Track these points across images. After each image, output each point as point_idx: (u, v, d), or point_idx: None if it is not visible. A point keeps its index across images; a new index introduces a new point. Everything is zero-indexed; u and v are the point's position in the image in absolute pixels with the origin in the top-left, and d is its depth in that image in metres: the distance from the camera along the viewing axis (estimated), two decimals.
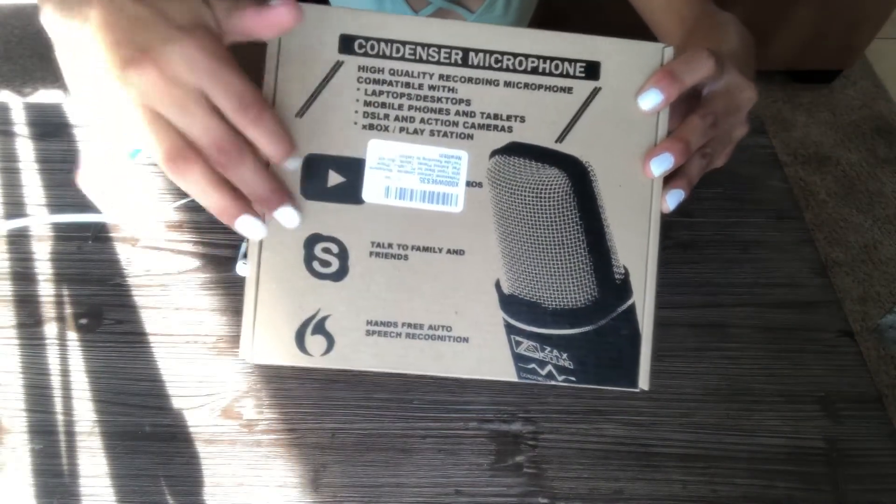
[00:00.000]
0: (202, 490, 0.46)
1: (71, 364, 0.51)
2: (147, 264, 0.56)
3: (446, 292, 0.36)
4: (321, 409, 0.50)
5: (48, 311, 0.54)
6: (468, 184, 0.36)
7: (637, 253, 0.36)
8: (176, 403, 0.50)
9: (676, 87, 0.35)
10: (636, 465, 0.48)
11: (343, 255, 0.35)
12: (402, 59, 0.36)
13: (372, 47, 0.36)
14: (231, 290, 0.55)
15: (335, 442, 0.49)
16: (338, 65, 0.35)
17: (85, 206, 0.59)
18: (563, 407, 0.51)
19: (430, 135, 0.36)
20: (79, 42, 0.30)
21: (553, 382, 0.37)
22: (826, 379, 0.53)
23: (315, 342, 0.35)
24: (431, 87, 0.36)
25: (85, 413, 0.49)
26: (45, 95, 1.60)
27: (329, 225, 0.35)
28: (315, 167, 0.35)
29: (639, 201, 0.37)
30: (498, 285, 0.36)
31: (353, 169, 0.35)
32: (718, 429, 0.50)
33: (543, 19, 0.83)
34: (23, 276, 0.55)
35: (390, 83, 0.36)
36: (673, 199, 0.37)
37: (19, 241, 0.57)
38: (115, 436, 0.48)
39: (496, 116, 0.36)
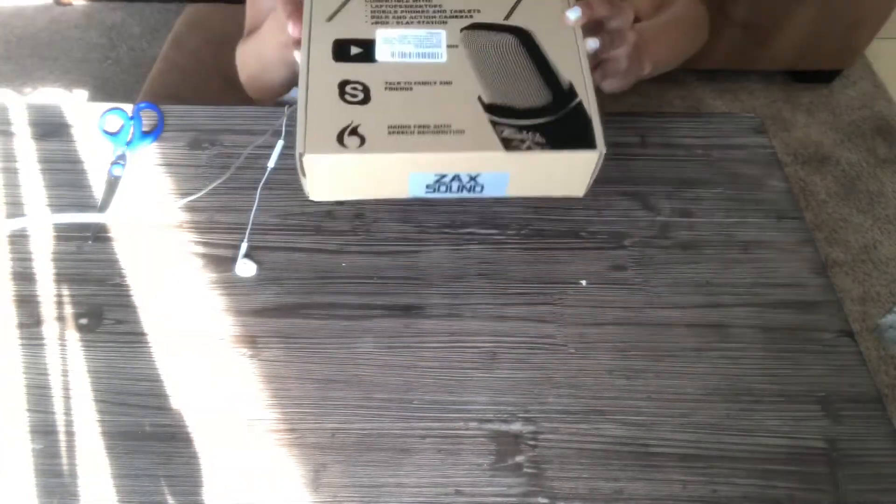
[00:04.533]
0: (202, 490, 0.46)
1: (71, 364, 0.51)
2: (147, 264, 0.56)
3: (444, 106, 0.49)
4: (321, 409, 0.50)
5: (48, 311, 0.54)
6: (448, 46, 0.51)
7: (575, 72, 0.50)
8: (176, 403, 0.50)
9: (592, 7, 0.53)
10: (636, 465, 0.48)
11: (366, 90, 0.49)
12: None
13: None
14: (231, 290, 0.55)
15: (335, 442, 0.49)
16: None
17: (85, 206, 0.59)
18: (563, 407, 0.51)
19: (418, 24, 0.52)
20: None
21: (531, 148, 0.47)
22: (826, 379, 0.53)
23: (351, 141, 0.47)
24: None
25: (85, 413, 0.49)
26: (45, 95, 1.60)
27: (354, 74, 0.50)
28: (342, 45, 0.51)
29: (569, 45, 0.52)
30: (480, 99, 0.49)
31: (368, 44, 0.51)
32: (718, 429, 0.50)
33: None
34: (23, 276, 0.55)
35: None
36: (573, 13, 0.52)
37: (19, 241, 0.57)
38: (115, 436, 0.48)
39: (460, 11, 0.53)
